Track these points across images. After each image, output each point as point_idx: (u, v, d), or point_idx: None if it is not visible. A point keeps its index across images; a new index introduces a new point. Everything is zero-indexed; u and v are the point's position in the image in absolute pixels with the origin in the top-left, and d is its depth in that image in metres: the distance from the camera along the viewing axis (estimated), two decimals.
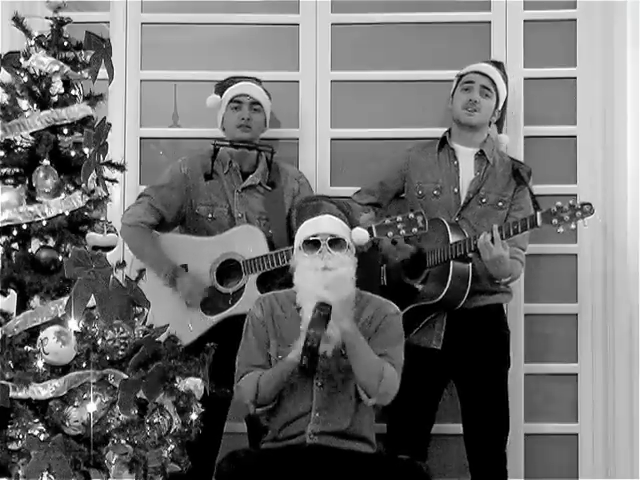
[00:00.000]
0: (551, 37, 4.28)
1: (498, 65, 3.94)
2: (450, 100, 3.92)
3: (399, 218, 3.55)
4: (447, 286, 3.65)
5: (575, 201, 3.50)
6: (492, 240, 3.55)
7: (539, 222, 3.50)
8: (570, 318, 4.22)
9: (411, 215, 3.55)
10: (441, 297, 3.66)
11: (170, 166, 4.01)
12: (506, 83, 3.92)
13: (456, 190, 3.84)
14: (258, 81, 4.02)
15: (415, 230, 3.54)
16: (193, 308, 3.81)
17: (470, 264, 3.66)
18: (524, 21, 4.25)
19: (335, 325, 3.19)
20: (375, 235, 3.55)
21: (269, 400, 3.31)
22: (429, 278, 3.73)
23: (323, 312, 3.14)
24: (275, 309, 3.39)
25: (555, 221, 3.47)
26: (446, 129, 3.99)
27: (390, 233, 3.56)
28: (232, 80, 4.01)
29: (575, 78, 4.24)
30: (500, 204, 3.82)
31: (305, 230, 3.37)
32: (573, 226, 3.48)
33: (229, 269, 3.83)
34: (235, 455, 3.27)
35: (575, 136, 4.23)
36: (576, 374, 4.20)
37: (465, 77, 3.90)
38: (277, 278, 3.72)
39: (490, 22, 4.26)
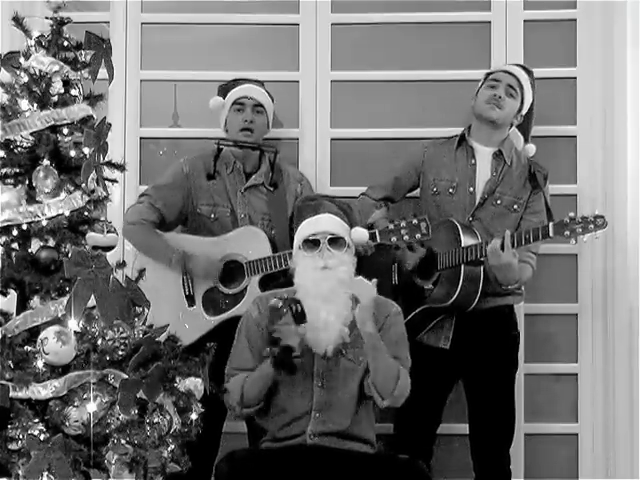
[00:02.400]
0: (551, 37, 4.28)
1: (528, 72, 3.92)
2: (474, 98, 3.89)
3: (403, 223, 3.55)
4: (457, 291, 3.64)
5: (588, 213, 3.48)
6: (502, 246, 3.54)
7: (551, 233, 3.49)
8: (570, 318, 4.22)
9: (415, 221, 3.55)
10: (452, 301, 3.66)
11: (172, 166, 4.01)
12: (533, 90, 3.90)
13: (471, 189, 3.83)
14: (261, 83, 4.02)
15: (418, 236, 3.54)
16: (197, 304, 3.82)
17: (481, 267, 3.65)
18: (524, 21, 4.25)
19: (359, 327, 3.19)
20: (379, 240, 3.56)
21: (254, 402, 3.31)
22: (440, 281, 3.72)
23: (296, 307, 3.16)
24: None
25: (567, 233, 3.46)
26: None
27: (393, 238, 3.57)
28: (235, 82, 4.01)
29: (575, 78, 4.24)
30: (515, 207, 3.81)
31: (305, 229, 3.37)
32: (585, 239, 3.48)
33: (232, 270, 3.83)
34: (234, 455, 3.27)
35: (575, 136, 4.23)
36: (576, 374, 4.20)
37: (492, 75, 3.88)
38: (279, 280, 3.72)
39: (490, 22, 4.26)
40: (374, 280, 3.23)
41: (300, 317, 3.17)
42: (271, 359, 3.18)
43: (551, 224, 3.50)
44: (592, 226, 3.45)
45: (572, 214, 3.48)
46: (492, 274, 3.63)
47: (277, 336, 3.16)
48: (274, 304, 3.21)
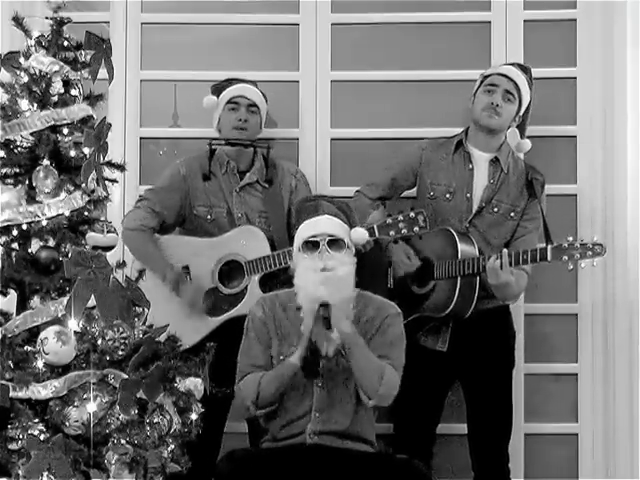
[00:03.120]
0: (551, 37, 4.27)
1: (525, 69, 3.88)
2: (471, 99, 3.88)
3: (400, 217, 3.55)
4: (453, 302, 3.64)
5: (587, 240, 3.47)
6: (500, 265, 3.54)
7: (549, 257, 3.48)
8: (570, 318, 4.22)
9: (412, 214, 3.55)
10: (447, 312, 3.67)
11: (168, 168, 4.00)
12: (531, 88, 3.87)
13: (469, 195, 3.82)
14: (255, 83, 4.02)
15: (416, 229, 3.54)
16: (195, 312, 3.81)
17: (477, 277, 3.65)
18: (524, 21, 4.25)
19: (334, 326, 3.20)
20: (377, 235, 3.56)
21: (270, 402, 3.31)
22: (435, 290, 3.72)
23: (324, 313, 3.16)
24: (276, 309, 3.39)
25: (565, 258, 3.45)
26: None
27: (392, 232, 3.57)
28: (229, 82, 4.01)
29: (575, 78, 4.24)
30: (512, 214, 3.81)
31: (304, 231, 3.37)
32: (583, 265, 3.48)
33: (231, 270, 3.83)
34: (234, 454, 3.27)
35: (575, 136, 4.23)
36: (576, 374, 4.20)
37: (489, 79, 3.84)
38: (279, 278, 3.72)
39: (490, 22, 4.26)
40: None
41: (328, 322, 3.19)
42: (303, 365, 3.20)
43: (549, 248, 3.48)
44: (590, 253, 3.43)
45: (571, 238, 3.47)
46: (489, 288, 3.64)
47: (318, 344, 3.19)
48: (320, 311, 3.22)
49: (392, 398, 3.28)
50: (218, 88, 4.01)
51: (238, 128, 3.92)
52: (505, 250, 3.56)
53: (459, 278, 3.63)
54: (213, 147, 3.91)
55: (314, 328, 3.20)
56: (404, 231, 3.55)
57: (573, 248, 3.45)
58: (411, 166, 3.94)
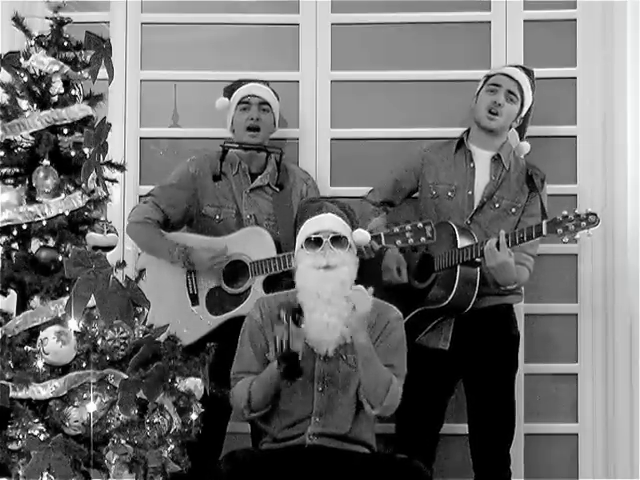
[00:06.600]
0: (551, 37, 4.27)
1: (528, 72, 3.91)
2: (474, 99, 3.90)
3: (408, 227, 3.56)
4: (453, 291, 3.64)
5: (581, 211, 3.50)
6: (498, 246, 3.54)
7: (544, 231, 3.51)
8: (570, 318, 4.22)
9: (420, 224, 3.56)
10: (447, 302, 3.66)
11: (178, 166, 4.00)
12: (533, 91, 3.89)
13: (470, 193, 3.83)
14: (266, 82, 4.03)
15: (423, 239, 3.56)
16: (201, 303, 3.81)
17: (478, 269, 3.65)
18: (524, 21, 4.25)
19: (352, 337, 3.18)
20: (384, 243, 3.58)
21: (262, 406, 3.30)
22: (436, 282, 3.73)
23: (288, 313, 3.15)
24: (274, 311, 3.38)
25: (560, 230, 3.48)
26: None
27: (398, 241, 3.58)
28: (240, 82, 4.01)
29: (575, 78, 4.24)
30: (513, 210, 3.82)
31: (307, 228, 3.36)
32: (578, 236, 3.49)
33: (236, 270, 3.83)
34: (234, 455, 3.26)
35: (575, 136, 4.23)
36: (576, 374, 4.20)
37: (493, 78, 3.87)
38: (283, 280, 3.72)
39: (490, 22, 4.26)
40: (370, 289, 3.22)
41: (298, 319, 3.17)
42: (280, 370, 3.15)
43: (544, 222, 3.52)
44: (584, 223, 3.47)
45: (565, 212, 3.50)
46: (490, 277, 3.64)
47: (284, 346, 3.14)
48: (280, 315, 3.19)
49: (394, 408, 3.28)
50: (230, 89, 4.01)
51: (251, 128, 3.92)
52: (502, 230, 3.58)
53: (459, 267, 3.63)
54: (225, 149, 3.90)
55: (283, 329, 3.16)
56: (411, 241, 3.57)
57: (567, 220, 3.48)
58: (413, 167, 3.95)
